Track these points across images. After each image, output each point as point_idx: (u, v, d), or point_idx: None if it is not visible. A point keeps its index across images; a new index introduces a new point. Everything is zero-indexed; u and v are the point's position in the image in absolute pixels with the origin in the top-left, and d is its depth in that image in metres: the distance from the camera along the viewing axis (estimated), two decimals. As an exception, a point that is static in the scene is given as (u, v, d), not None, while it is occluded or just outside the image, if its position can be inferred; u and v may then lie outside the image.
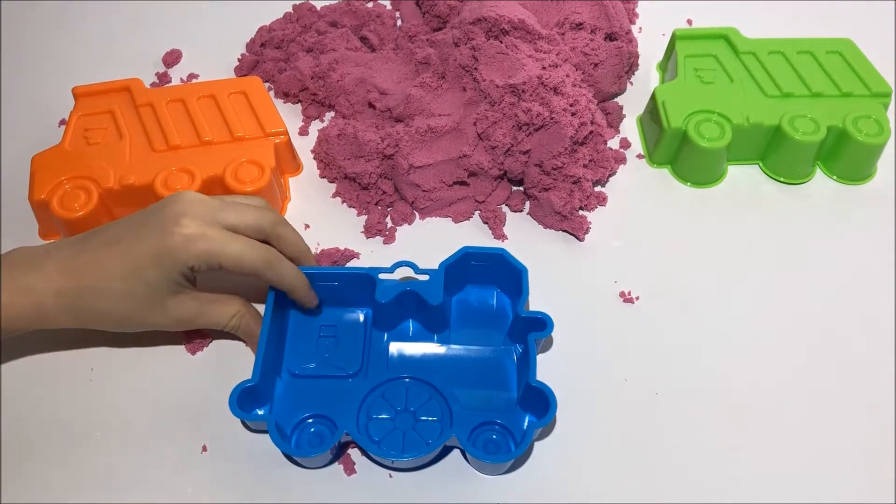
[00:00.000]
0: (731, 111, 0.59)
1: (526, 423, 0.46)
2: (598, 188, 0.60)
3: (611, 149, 0.61)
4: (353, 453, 0.46)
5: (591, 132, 0.57)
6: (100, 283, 0.45)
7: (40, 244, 0.50)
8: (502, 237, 0.57)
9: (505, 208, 0.59)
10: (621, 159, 0.62)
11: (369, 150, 0.57)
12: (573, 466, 0.46)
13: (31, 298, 0.45)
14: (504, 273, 0.51)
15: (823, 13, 0.75)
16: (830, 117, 0.59)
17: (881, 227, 0.58)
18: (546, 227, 0.58)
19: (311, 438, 0.46)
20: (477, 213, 0.59)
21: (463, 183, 0.58)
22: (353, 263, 0.56)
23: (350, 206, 0.59)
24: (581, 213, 0.58)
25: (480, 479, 0.45)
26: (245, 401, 0.44)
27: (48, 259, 0.45)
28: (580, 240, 0.56)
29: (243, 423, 0.47)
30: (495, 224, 0.57)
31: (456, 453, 0.46)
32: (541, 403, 0.44)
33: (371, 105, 0.62)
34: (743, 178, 0.61)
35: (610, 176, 0.60)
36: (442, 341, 0.50)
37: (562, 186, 0.56)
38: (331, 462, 0.46)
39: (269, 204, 0.50)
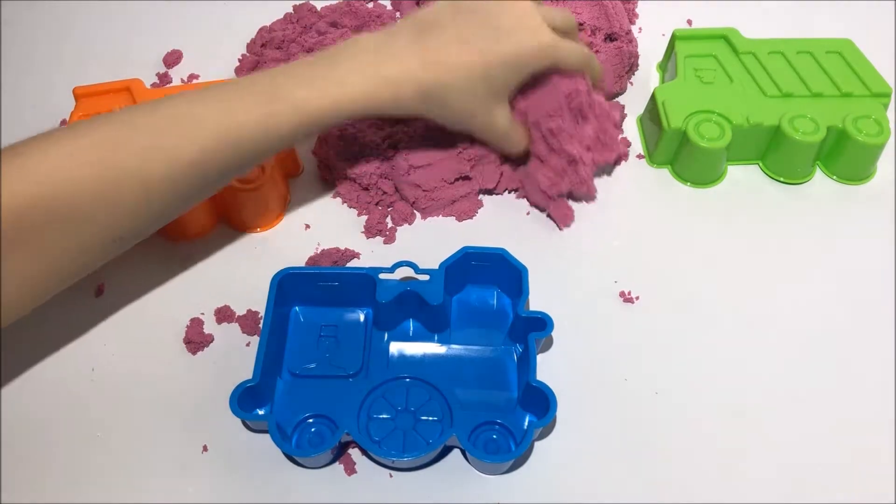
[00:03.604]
0: (730, 111, 0.59)
1: (526, 423, 0.46)
2: (596, 182, 0.59)
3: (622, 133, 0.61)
4: (354, 453, 0.46)
5: (590, 104, 0.55)
6: (452, 79, 0.49)
7: (380, 32, 0.51)
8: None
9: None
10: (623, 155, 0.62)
11: (370, 150, 0.57)
12: (573, 466, 0.46)
13: (391, 89, 0.49)
14: (504, 273, 0.51)
15: (823, 13, 0.75)
16: (830, 117, 0.59)
17: (881, 227, 0.58)
18: (532, 203, 0.58)
19: (311, 438, 0.46)
20: (480, 210, 0.59)
21: (465, 178, 0.58)
22: (353, 263, 0.56)
23: (350, 207, 0.59)
24: (571, 204, 0.57)
25: (480, 479, 0.45)
26: (245, 401, 0.44)
27: (402, 51, 0.49)
28: (560, 229, 0.56)
29: (243, 423, 0.47)
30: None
31: (456, 453, 0.46)
32: (541, 403, 0.44)
33: (371, 105, 0.62)
34: (743, 178, 0.61)
35: (616, 164, 0.60)
36: (442, 341, 0.50)
37: (555, 163, 0.55)
38: (331, 462, 0.46)
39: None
